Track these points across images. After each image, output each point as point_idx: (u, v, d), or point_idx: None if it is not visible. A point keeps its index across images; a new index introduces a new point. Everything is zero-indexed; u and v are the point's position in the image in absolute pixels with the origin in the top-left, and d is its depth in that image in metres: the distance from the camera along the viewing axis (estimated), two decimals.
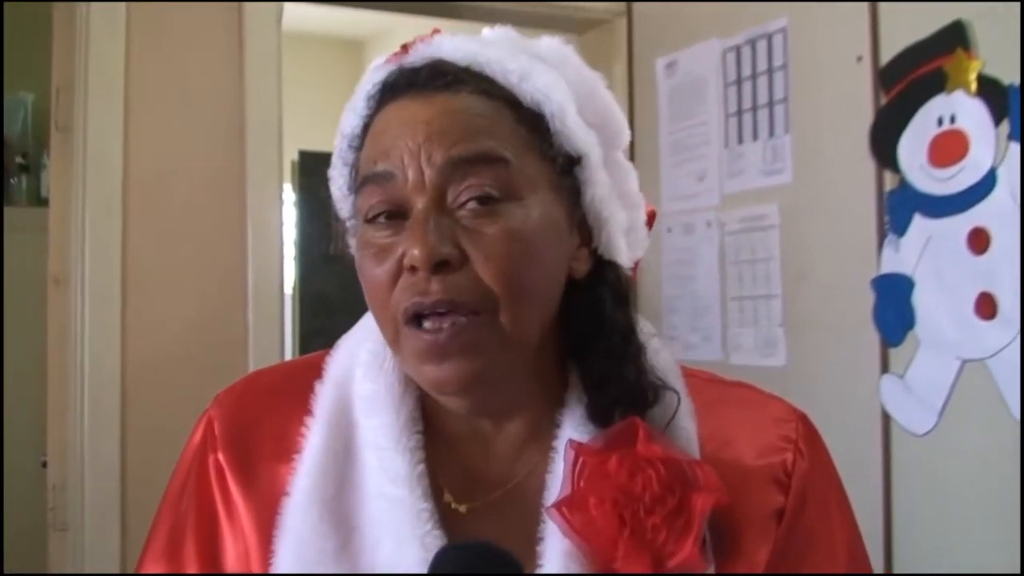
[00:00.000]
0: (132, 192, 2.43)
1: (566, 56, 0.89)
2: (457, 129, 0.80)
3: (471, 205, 0.79)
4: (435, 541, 0.80)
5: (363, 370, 0.89)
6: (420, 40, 0.87)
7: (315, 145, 4.54)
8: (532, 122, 0.83)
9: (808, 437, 0.90)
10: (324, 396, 0.89)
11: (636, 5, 2.97)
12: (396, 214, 0.81)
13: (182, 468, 0.91)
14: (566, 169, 0.85)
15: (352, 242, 0.89)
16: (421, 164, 0.80)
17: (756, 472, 0.86)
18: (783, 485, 0.87)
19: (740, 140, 2.56)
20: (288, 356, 3.10)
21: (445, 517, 0.83)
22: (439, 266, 0.78)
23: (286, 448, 0.87)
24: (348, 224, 0.90)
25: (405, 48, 0.87)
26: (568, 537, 0.79)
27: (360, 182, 0.84)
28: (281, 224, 2.63)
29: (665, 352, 0.90)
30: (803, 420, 0.91)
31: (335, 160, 0.90)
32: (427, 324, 0.79)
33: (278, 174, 2.61)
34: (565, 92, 0.85)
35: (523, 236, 0.80)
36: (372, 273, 0.82)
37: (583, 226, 0.87)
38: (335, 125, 0.89)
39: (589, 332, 0.87)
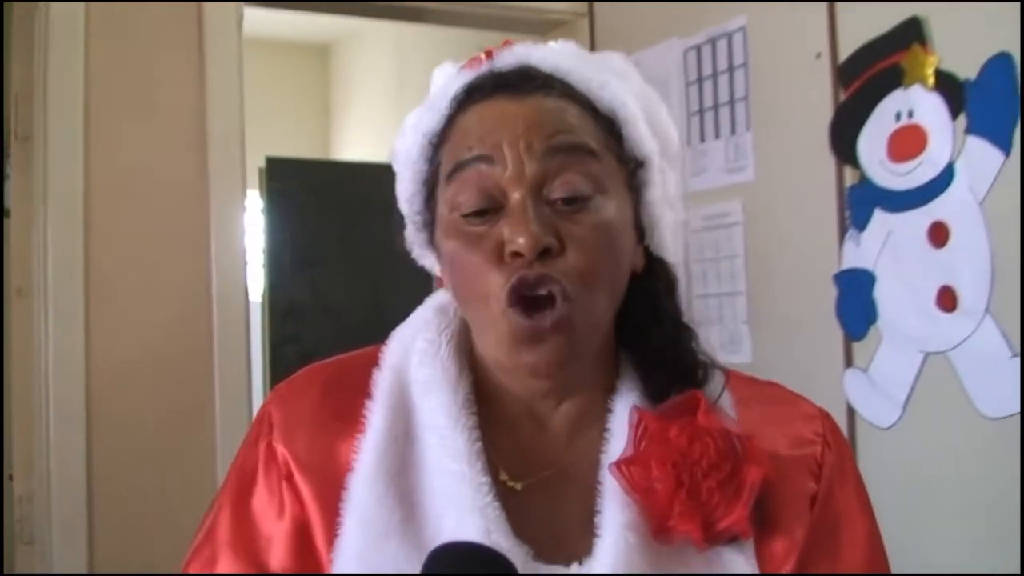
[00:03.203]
0: (94, 201, 2.41)
1: (630, 70, 0.97)
2: (554, 122, 0.87)
3: (566, 198, 0.86)
4: (495, 512, 0.86)
5: (419, 357, 0.94)
6: (503, 48, 0.94)
7: (283, 151, 4.52)
8: (608, 127, 0.91)
9: (833, 432, 0.98)
10: (383, 380, 0.94)
11: (597, 6, 2.98)
12: (489, 210, 0.87)
13: (241, 459, 0.96)
14: (633, 172, 0.92)
15: (409, 236, 0.97)
16: (520, 153, 0.86)
17: (792, 460, 0.94)
18: (815, 474, 0.94)
19: (702, 138, 2.58)
20: (257, 364, 3.07)
21: (501, 494, 0.88)
22: (542, 254, 0.84)
23: (348, 428, 0.92)
24: (411, 221, 0.96)
25: (489, 54, 0.94)
26: (627, 495, 0.86)
27: (453, 168, 0.89)
28: (245, 230, 2.61)
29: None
30: (827, 417, 0.99)
31: (414, 156, 0.94)
32: (534, 314, 0.84)
33: (242, 180, 2.60)
34: (635, 101, 0.93)
35: (609, 228, 0.87)
36: (467, 258, 0.87)
37: (637, 225, 0.93)
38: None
39: (645, 321, 0.95)
